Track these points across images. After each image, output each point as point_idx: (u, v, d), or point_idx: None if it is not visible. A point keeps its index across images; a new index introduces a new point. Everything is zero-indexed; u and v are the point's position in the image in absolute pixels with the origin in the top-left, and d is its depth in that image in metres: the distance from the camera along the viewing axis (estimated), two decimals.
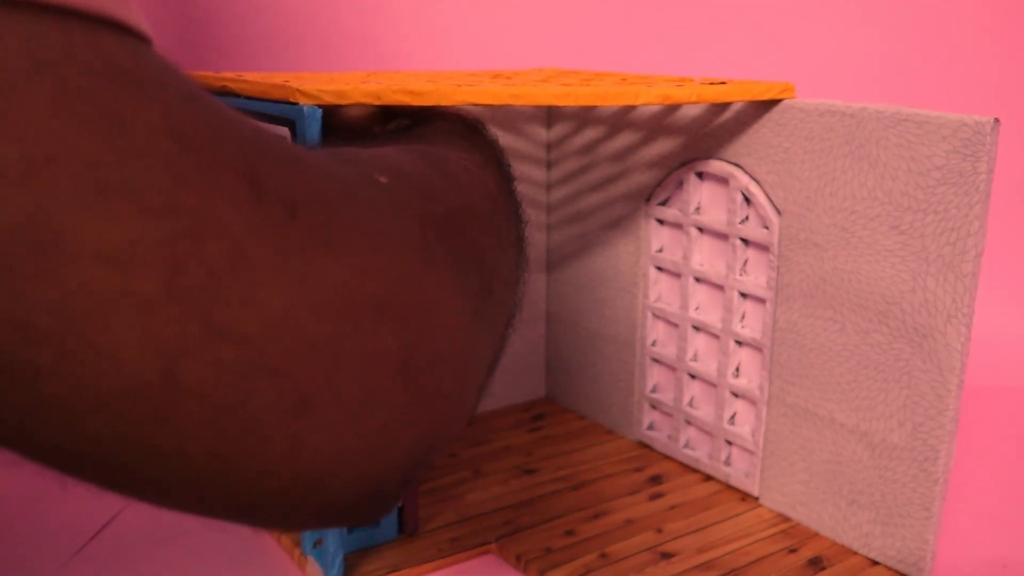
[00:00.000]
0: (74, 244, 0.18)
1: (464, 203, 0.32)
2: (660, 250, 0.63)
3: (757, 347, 0.57)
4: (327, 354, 0.22)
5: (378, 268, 0.24)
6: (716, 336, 0.60)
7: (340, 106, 0.43)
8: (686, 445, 0.64)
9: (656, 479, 0.62)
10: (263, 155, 0.22)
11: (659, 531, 0.55)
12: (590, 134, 0.67)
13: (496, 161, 0.41)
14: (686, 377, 0.63)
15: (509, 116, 0.68)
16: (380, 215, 0.25)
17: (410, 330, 0.25)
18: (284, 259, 0.21)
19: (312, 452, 0.22)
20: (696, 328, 0.62)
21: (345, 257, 0.23)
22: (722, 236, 0.59)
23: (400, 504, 0.53)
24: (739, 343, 0.59)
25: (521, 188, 0.70)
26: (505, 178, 0.41)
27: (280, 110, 0.43)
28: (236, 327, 0.20)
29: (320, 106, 0.42)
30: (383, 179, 0.27)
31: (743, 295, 0.58)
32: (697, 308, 0.61)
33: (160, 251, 0.19)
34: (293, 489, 0.23)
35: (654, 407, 0.66)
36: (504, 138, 0.68)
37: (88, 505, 0.57)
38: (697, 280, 0.61)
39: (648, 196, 0.63)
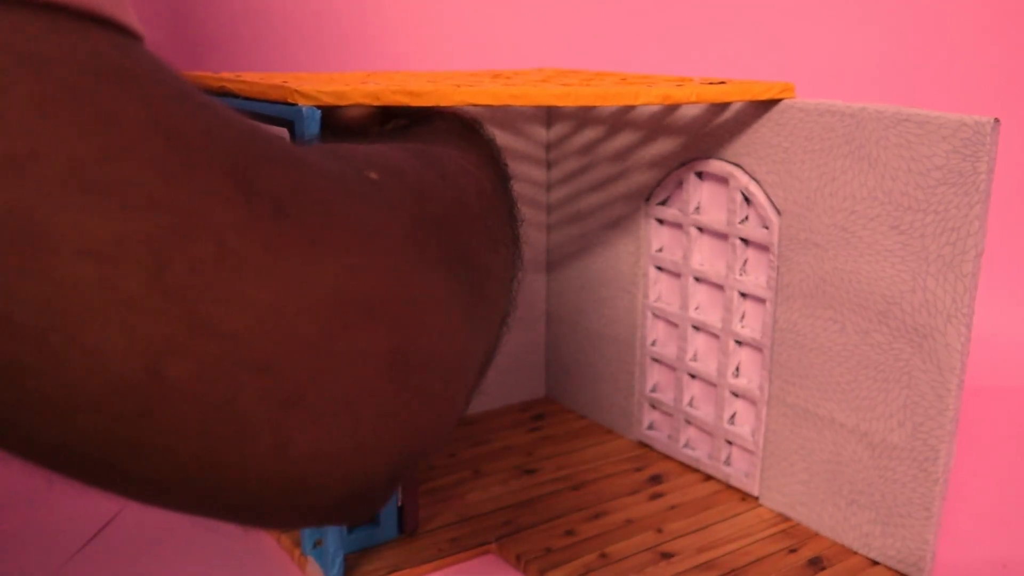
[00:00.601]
0: (57, 239, 0.18)
1: (458, 202, 0.32)
2: (660, 250, 0.63)
3: (757, 347, 0.57)
4: (316, 352, 0.22)
5: (369, 266, 0.24)
6: (716, 336, 0.60)
7: (339, 107, 0.43)
8: (686, 445, 0.64)
9: (656, 479, 0.62)
10: (254, 152, 0.22)
11: (659, 531, 0.55)
12: (590, 134, 0.67)
13: (493, 160, 0.41)
14: (686, 377, 0.63)
15: (509, 116, 0.68)
16: (372, 213, 0.25)
17: (401, 329, 0.24)
18: (273, 256, 0.21)
19: (300, 450, 0.22)
20: (696, 328, 0.62)
21: (335, 255, 0.23)
22: (722, 236, 0.58)
23: (400, 504, 0.53)
24: (739, 343, 0.59)
25: (521, 188, 0.70)
26: (501, 177, 0.41)
27: (279, 111, 0.43)
28: (222, 324, 0.20)
29: (319, 107, 0.42)
30: (374, 175, 0.27)
31: (743, 295, 0.58)
32: (697, 308, 0.61)
33: (145, 247, 0.19)
34: (280, 487, 0.23)
35: (654, 407, 0.66)
36: (504, 138, 0.68)
37: (87, 506, 0.57)
38: (697, 280, 0.61)
39: (648, 196, 0.63)
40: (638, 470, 0.63)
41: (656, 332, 0.65)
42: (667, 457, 0.65)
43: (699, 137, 0.58)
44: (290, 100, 0.42)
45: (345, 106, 0.43)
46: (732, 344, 0.59)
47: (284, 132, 0.43)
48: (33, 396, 0.19)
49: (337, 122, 0.44)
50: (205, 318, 0.20)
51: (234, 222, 0.21)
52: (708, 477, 0.62)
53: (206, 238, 0.20)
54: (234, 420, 0.21)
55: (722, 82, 0.54)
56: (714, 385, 0.61)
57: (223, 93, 0.48)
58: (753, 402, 0.58)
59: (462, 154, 0.37)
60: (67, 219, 0.18)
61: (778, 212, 0.54)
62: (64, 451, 0.21)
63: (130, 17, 0.22)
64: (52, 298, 0.18)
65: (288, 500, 0.23)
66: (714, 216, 0.59)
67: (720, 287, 0.59)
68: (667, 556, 0.52)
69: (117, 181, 0.19)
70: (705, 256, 0.60)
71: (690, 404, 0.63)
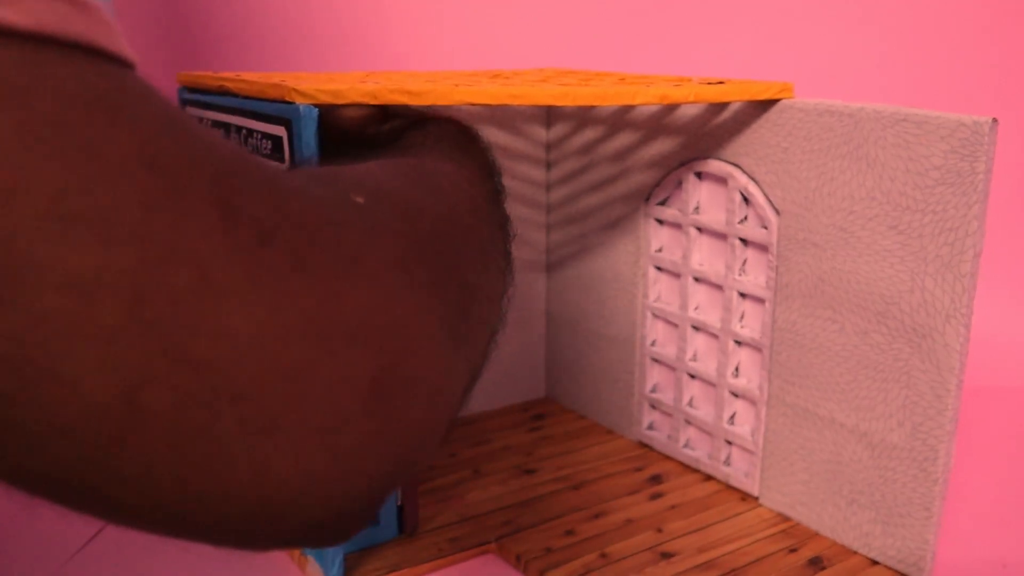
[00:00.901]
0: (36, 272, 0.18)
1: (449, 219, 0.32)
2: (659, 250, 0.63)
3: (756, 347, 0.57)
4: (295, 379, 0.22)
5: (352, 292, 0.24)
6: (715, 336, 0.60)
7: (336, 108, 0.43)
8: (686, 445, 0.64)
9: (656, 479, 0.62)
10: (240, 181, 0.23)
11: (659, 531, 0.55)
12: (589, 134, 0.67)
13: (487, 171, 0.41)
14: (686, 377, 0.63)
15: (508, 116, 0.68)
16: (356, 238, 0.25)
17: (383, 354, 0.24)
18: (254, 285, 0.21)
19: (278, 476, 0.22)
20: (696, 328, 0.62)
21: (319, 282, 0.23)
22: (721, 236, 0.58)
23: (400, 504, 0.54)
24: (738, 343, 0.59)
25: (521, 188, 0.70)
26: (494, 190, 0.41)
27: (277, 109, 0.43)
28: (200, 354, 0.20)
29: (316, 105, 0.42)
30: (360, 199, 0.27)
31: (742, 295, 0.58)
32: (696, 308, 0.61)
33: (124, 279, 0.19)
34: (258, 512, 0.23)
35: (654, 407, 0.66)
36: (504, 138, 0.68)
37: None
38: (696, 280, 0.61)
39: (647, 196, 0.63)
40: (638, 470, 0.63)
41: (656, 332, 0.65)
42: (667, 457, 0.65)
43: (698, 137, 0.58)
44: (288, 99, 0.42)
45: (343, 108, 0.43)
46: (732, 344, 0.59)
47: (282, 131, 0.43)
48: (9, 422, 0.19)
49: (335, 124, 0.44)
50: (182, 348, 0.20)
51: (217, 251, 0.21)
52: (708, 477, 0.62)
53: (187, 268, 0.20)
54: (211, 447, 0.21)
55: (721, 82, 0.54)
56: (714, 385, 0.61)
57: (223, 92, 0.48)
58: (753, 402, 0.58)
59: (457, 168, 0.37)
60: (47, 251, 0.18)
61: (777, 212, 0.54)
62: (40, 477, 0.21)
63: (120, 45, 0.22)
64: (30, 329, 0.19)
65: (268, 524, 0.24)
66: (713, 216, 0.59)
67: (719, 287, 0.59)
68: (667, 556, 0.52)
69: (98, 213, 0.19)
70: (704, 256, 0.60)
71: (690, 404, 0.63)
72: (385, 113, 0.45)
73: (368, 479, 0.25)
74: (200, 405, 0.21)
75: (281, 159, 0.43)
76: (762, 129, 0.54)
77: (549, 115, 0.70)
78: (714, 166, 0.57)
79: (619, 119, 0.64)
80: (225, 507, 0.22)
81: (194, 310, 0.20)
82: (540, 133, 0.70)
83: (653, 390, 0.66)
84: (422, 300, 0.27)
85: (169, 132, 0.21)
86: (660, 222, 0.63)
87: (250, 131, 0.46)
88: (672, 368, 0.64)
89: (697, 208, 0.59)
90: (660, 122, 0.61)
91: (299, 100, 0.41)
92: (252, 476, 0.22)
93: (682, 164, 0.59)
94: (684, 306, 0.62)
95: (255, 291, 0.21)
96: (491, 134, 0.45)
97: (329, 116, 0.43)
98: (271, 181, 0.24)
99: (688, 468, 0.63)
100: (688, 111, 0.58)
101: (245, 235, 0.22)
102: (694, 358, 0.62)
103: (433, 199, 0.32)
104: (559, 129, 0.69)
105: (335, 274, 0.24)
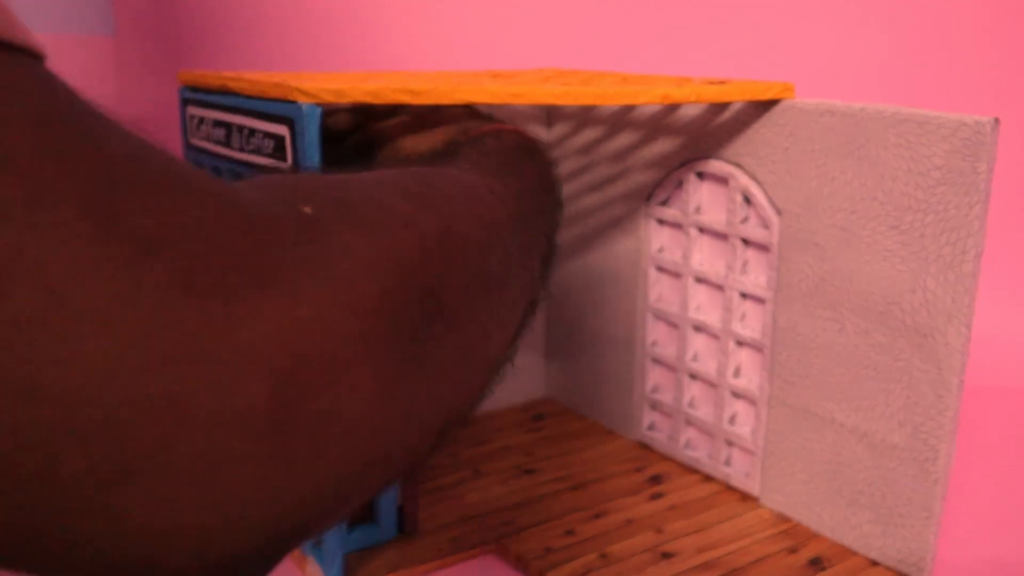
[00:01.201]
0: None
1: (440, 233, 0.29)
2: (660, 250, 0.63)
3: (757, 347, 0.57)
4: (166, 413, 0.19)
5: (255, 313, 0.21)
6: (716, 336, 0.60)
7: (331, 112, 0.43)
8: (686, 445, 0.64)
9: (656, 479, 0.62)
10: (130, 184, 0.20)
11: (659, 531, 0.55)
12: (590, 134, 0.67)
13: (538, 190, 0.38)
14: (686, 377, 0.63)
15: (509, 116, 0.68)
16: (278, 252, 0.22)
17: (288, 386, 0.21)
18: (122, 305, 0.19)
19: (136, 527, 0.20)
20: (696, 328, 0.62)
21: (210, 301, 0.20)
22: (722, 236, 0.58)
23: (400, 504, 0.53)
24: (739, 343, 0.59)
25: None
26: (539, 209, 0.37)
27: (279, 108, 0.43)
28: (41, 387, 0.18)
29: (319, 104, 0.42)
30: (308, 210, 0.24)
31: (743, 295, 0.58)
32: (697, 308, 0.61)
33: None
34: (116, 567, 0.20)
35: (654, 407, 0.66)
36: None
37: None
38: (697, 280, 0.61)
39: (648, 196, 0.63)
40: (638, 470, 0.63)
41: (656, 332, 0.65)
42: (667, 457, 0.65)
43: (699, 137, 0.58)
44: (290, 98, 0.42)
45: (335, 112, 0.42)
46: (732, 344, 0.59)
47: (284, 130, 0.43)
48: None
49: (329, 124, 0.43)
50: (21, 381, 0.18)
51: (79, 266, 0.18)
52: (708, 477, 0.62)
53: (32, 289, 0.18)
54: (53, 495, 0.19)
55: (722, 82, 0.54)
56: (714, 385, 0.61)
57: (224, 91, 0.48)
58: (753, 402, 0.58)
59: (490, 181, 0.34)
60: None
61: (778, 212, 0.54)
62: None
63: (12, 32, 0.19)
64: None
65: None
66: (714, 216, 0.59)
67: (720, 287, 0.59)
68: (667, 556, 0.52)
69: None
70: (705, 256, 0.60)
71: (690, 404, 0.63)
72: (368, 115, 0.44)
73: (259, 529, 0.22)
74: (39, 446, 0.18)
75: (284, 158, 0.43)
76: (763, 129, 0.54)
77: (550, 115, 0.70)
78: (715, 166, 0.57)
79: (620, 119, 0.64)
80: (77, 561, 0.20)
81: (39, 336, 0.18)
82: (540, 133, 0.70)
83: (653, 390, 0.66)
84: (363, 324, 0.24)
85: (44, 127, 0.19)
86: (661, 222, 0.63)
87: (252, 130, 0.46)
88: (672, 368, 0.64)
89: (698, 208, 0.59)
90: (661, 122, 0.61)
91: (301, 99, 0.41)
92: (105, 528, 0.19)
93: (683, 164, 0.59)
94: (684, 306, 0.62)
95: (125, 311, 0.19)
96: (552, 159, 0.43)
97: (329, 120, 0.42)
98: (174, 185, 0.21)
99: (688, 468, 0.63)
100: (689, 111, 0.58)
101: (123, 246, 0.19)
102: (694, 358, 0.62)
103: (431, 212, 0.29)
104: (560, 129, 0.69)
105: (232, 292, 0.21)
